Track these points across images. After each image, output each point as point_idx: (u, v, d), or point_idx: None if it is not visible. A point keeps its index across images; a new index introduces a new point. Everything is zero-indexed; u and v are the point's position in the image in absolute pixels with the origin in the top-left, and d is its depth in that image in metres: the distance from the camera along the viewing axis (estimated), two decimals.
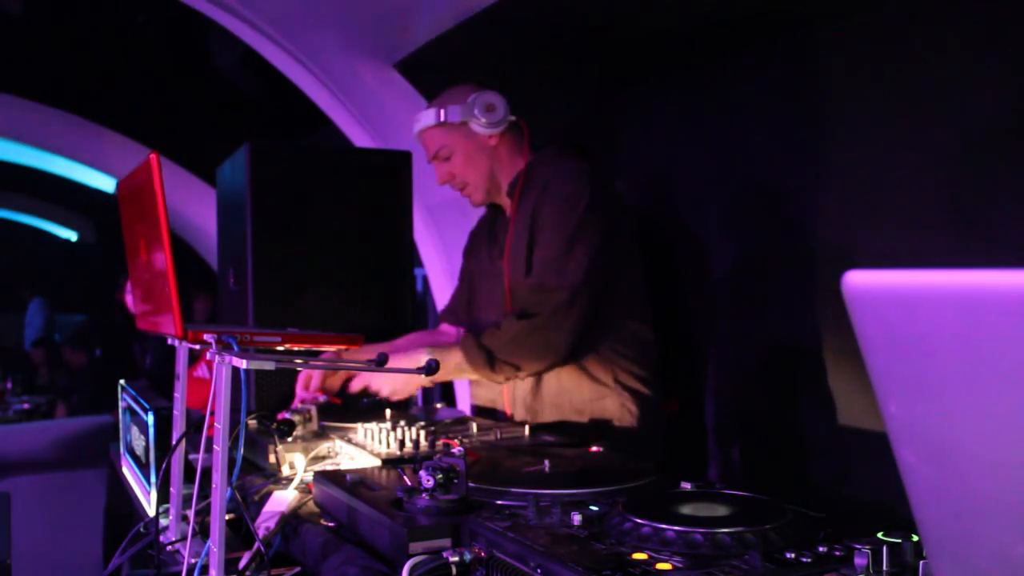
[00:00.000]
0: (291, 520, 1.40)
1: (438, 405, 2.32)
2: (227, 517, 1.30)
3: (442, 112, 2.21)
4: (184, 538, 1.41)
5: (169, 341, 1.48)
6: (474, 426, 1.79)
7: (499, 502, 1.18)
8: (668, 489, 1.22)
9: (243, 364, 1.18)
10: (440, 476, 1.16)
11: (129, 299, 5.13)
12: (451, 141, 2.22)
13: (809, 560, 0.91)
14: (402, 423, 1.75)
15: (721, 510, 1.07)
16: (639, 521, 1.00)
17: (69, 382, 6.38)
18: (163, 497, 1.56)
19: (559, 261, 2.04)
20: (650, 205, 3.03)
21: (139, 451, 1.90)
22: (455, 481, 1.16)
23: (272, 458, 1.68)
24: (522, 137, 2.27)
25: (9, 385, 6.32)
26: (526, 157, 2.26)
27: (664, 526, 0.98)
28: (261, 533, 1.33)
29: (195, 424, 1.34)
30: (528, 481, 1.28)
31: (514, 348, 2.01)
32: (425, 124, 2.24)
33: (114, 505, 4.88)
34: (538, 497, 1.14)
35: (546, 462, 1.40)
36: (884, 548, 0.87)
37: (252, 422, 1.95)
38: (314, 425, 1.84)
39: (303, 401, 2.05)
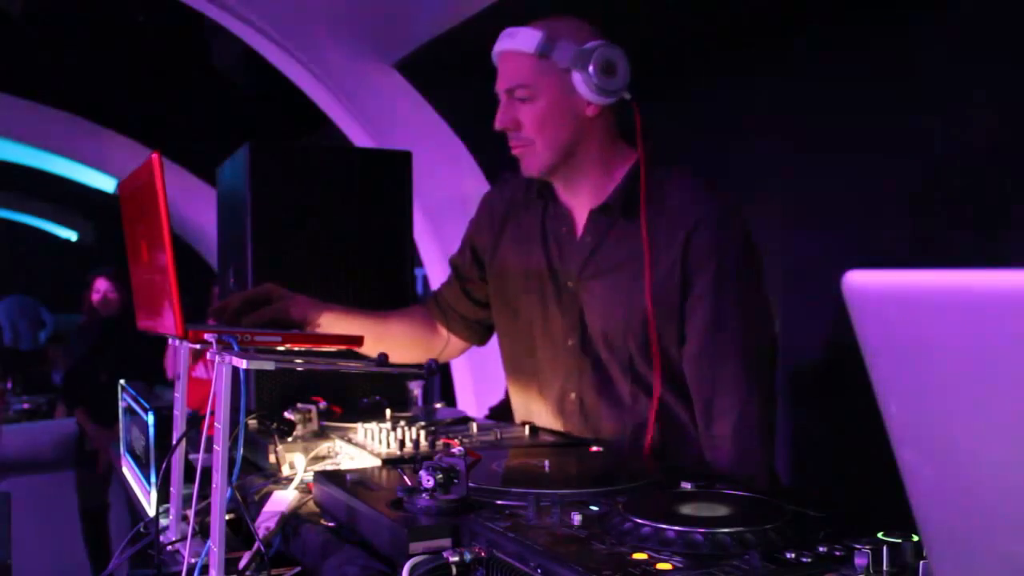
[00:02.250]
0: (291, 520, 1.40)
1: (438, 405, 2.32)
2: (227, 517, 1.30)
3: (548, 43, 1.65)
4: (184, 538, 1.41)
5: (170, 341, 1.48)
6: (474, 426, 1.79)
7: (499, 502, 1.18)
8: (668, 489, 1.21)
9: (243, 364, 1.17)
10: (440, 476, 1.15)
11: (96, 297, 5.10)
12: (541, 83, 1.68)
13: (809, 560, 0.91)
14: (402, 423, 1.75)
15: (721, 510, 1.07)
16: (639, 521, 1.00)
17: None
18: (163, 497, 1.56)
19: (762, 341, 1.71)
20: None
21: (139, 451, 1.90)
22: (455, 481, 1.16)
23: (272, 458, 1.68)
24: (632, 127, 1.74)
25: (9, 385, 6.31)
26: (629, 154, 1.77)
27: (664, 526, 0.98)
28: (261, 533, 1.33)
29: (194, 424, 1.34)
30: (528, 481, 1.28)
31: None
32: (518, 47, 1.68)
33: (87, 506, 4.89)
34: (538, 497, 1.14)
35: (546, 462, 1.40)
36: (884, 548, 0.87)
37: (252, 422, 1.95)
38: (314, 425, 1.83)
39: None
